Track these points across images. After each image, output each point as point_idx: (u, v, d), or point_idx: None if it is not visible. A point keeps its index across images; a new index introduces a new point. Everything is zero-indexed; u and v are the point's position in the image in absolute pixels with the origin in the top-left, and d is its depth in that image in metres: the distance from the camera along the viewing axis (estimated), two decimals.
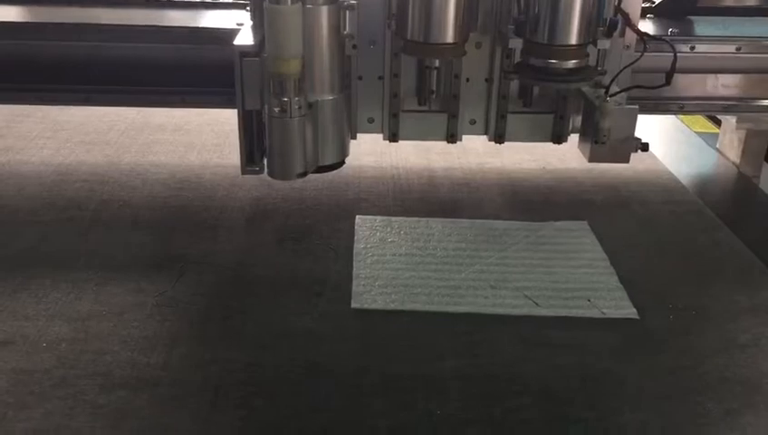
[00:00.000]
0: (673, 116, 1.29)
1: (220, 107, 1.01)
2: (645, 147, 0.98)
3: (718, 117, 1.24)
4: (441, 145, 1.04)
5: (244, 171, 0.91)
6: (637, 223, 0.99)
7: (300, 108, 0.81)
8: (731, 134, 1.18)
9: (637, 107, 0.93)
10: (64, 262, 0.85)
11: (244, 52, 0.83)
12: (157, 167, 1.10)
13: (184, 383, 0.67)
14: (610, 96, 0.90)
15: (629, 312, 0.79)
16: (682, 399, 0.67)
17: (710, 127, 1.31)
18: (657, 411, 0.65)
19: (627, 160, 0.98)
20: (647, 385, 0.69)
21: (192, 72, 1.02)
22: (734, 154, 1.17)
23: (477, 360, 0.71)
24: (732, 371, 0.71)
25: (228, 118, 0.87)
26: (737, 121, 1.13)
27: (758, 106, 1.08)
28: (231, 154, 0.99)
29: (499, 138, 1.01)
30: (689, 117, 1.31)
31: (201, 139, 1.20)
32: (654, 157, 1.16)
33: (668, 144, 1.24)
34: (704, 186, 1.12)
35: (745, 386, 0.69)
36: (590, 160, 0.97)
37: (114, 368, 0.69)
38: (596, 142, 0.93)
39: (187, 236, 0.92)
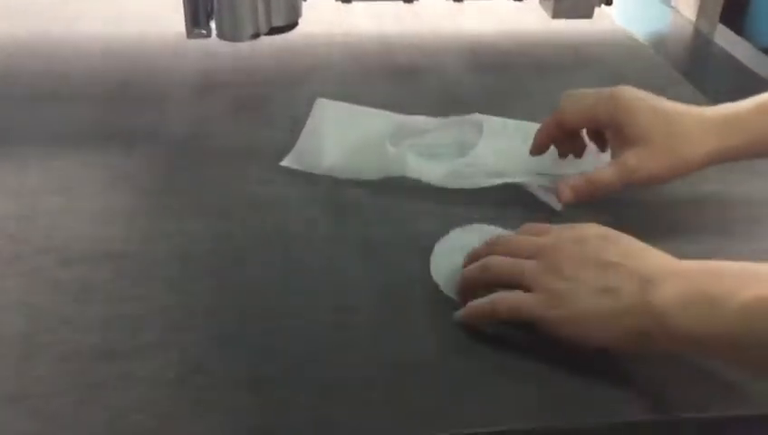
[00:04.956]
0: None
1: None
2: (609, 1, 0.96)
3: None
4: (394, 10, 0.99)
5: (189, 34, 0.85)
6: (599, 82, 0.96)
7: None
8: None
9: None
10: (4, 137, 0.78)
11: None
12: (89, 38, 1.01)
13: (150, 255, 0.63)
14: None
15: None
16: None
17: None
18: None
19: (590, 15, 0.95)
20: None
21: None
22: (689, 12, 1.15)
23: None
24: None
25: None
26: None
27: None
28: (170, 23, 0.92)
29: None
30: None
31: (134, 7, 1.10)
32: (609, 17, 1.14)
33: (623, 3, 1.21)
34: (662, 44, 1.11)
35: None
36: (554, 17, 0.94)
37: (71, 242, 0.64)
38: None
39: (133, 109, 0.86)
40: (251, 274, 0.62)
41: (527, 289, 0.53)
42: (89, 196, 0.70)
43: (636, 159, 0.65)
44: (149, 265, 0.62)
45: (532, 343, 0.54)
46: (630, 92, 0.66)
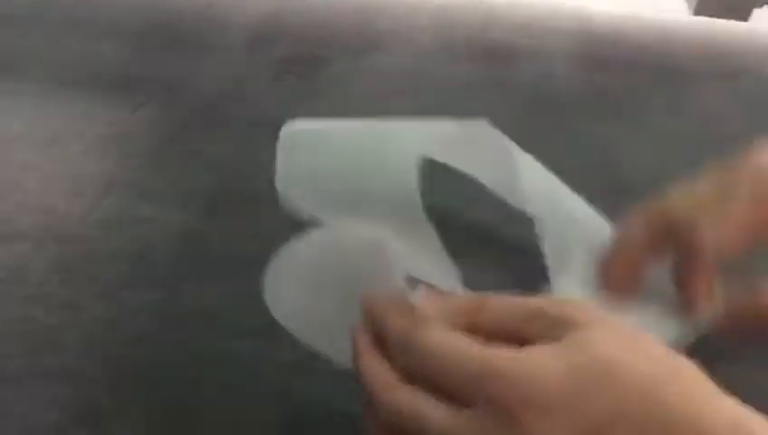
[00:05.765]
0: None
1: None
2: None
3: None
4: None
5: None
6: (743, 106, 0.76)
7: None
8: None
9: None
10: (10, 69, 0.70)
11: None
12: None
13: (103, 244, 0.53)
14: None
15: None
16: None
17: None
18: None
19: (746, 18, 0.74)
20: None
21: None
22: None
23: None
24: None
25: None
26: None
27: None
28: None
29: None
30: None
31: None
32: None
33: None
34: None
35: None
36: (696, 14, 0.74)
37: (21, 213, 0.54)
38: None
39: (163, 55, 0.75)
40: (202, 297, 0.49)
41: None
42: (69, 156, 0.60)
43: None
44: (96, 258, 0.51)
45: None
46: None
